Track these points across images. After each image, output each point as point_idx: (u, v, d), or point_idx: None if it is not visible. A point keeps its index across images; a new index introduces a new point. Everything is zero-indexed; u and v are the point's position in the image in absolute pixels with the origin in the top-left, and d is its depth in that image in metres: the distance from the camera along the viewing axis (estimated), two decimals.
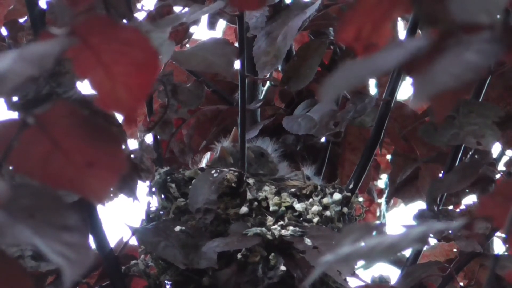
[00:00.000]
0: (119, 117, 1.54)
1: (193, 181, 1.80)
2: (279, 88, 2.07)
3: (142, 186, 1.83)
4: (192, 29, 2.07)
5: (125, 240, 1.83)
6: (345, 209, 1.86)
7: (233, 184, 1.82)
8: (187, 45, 2.13)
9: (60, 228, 0.80)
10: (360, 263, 2.09)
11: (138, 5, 2.02)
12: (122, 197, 1.72)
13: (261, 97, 2.18)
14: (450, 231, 1.80)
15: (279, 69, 2.20)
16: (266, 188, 1.85)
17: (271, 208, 1.82)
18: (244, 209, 1.81)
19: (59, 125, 0.84)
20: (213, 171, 1.79)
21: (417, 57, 0.76)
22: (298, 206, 1.83)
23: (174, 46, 1.62)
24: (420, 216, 1.90)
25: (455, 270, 1.90)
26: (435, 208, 1.92)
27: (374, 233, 0.84)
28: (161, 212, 1.87)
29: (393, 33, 0.83)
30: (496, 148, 2.01)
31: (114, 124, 1.56)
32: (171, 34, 1.64)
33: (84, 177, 0.85)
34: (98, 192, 0.86)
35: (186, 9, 1.92)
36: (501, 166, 2.04)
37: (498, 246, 2.04)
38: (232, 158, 1.91)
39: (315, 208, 1.83)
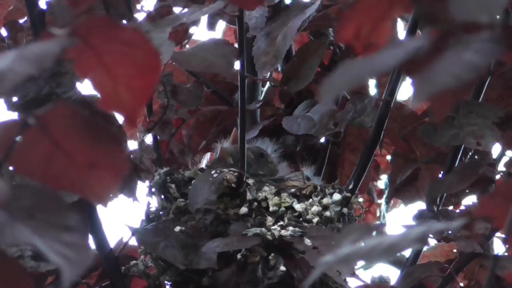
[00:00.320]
0: (120, 118, 1.54)
1: (193, 182, 1.80)
2: (279, 88, 2.07)
3: (142, 187, 1.83)
4: (192, 29, 2.08)
5: (125, 240, 1.83)
6: (345, 210, 1.86)
7: (233, 185, 1.82)
8: (187, 46, 2.13)
9: (59, 228, 0.80)
10: (360, 263, 2.10)
11: (138, 6, 2.02)
12: (122, 197, 1.72)
13: (261, 97, 2.18)
14: (450, 232, 1.80)
15: (279, 69, 2.20)
16: (266, 188, 1.85)
17: (271, 209, 1.82)
18: (244, 210, 1.81)
19: (60, 125, 0.84)
20: (213, 172, 1.79)
21: (417, 57, 0.76)
22: (298, 207, 1.83)
23: (174, 46, 1.62)
24: (420, 217, 1.90)
25: (455, 271, 1.89)
26: (435, 209, 1.92)
27: (374, 233, 0.85)
28: (161, 213, 1.87)
29: (393, 32, 0.83)
30: (496, 149, 2.01)
31: (115, 125, 1.56)
32: (171, 35, 1.64)
33: (86, 178, 0.85)
34: (100, 193, 0.86)
35: (186, 9, 1.92)
36: (501, 167, 2.04)
37: (498, 247, 2.04)
38: (232, 158, 1.91)
39: (315, 208, 1.83)
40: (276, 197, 1.84)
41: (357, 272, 1.74)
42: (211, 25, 2.13)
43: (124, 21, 1.74)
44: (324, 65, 2.13)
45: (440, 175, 2.01)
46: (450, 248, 2.15)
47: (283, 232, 1.76)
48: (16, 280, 0.82)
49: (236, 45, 1.85)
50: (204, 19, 2.10)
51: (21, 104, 1.57)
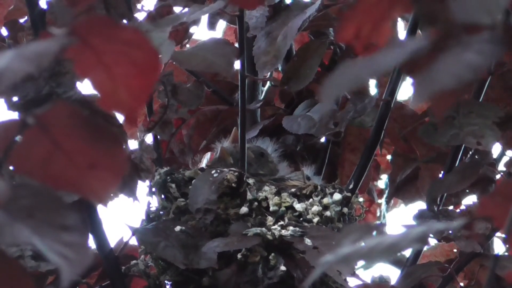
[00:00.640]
0: (120, 118, 1.54)
1: (193, 181, 1.80)
2: (279, 88, 2.07)
3: (142, 186, 1.83)
4: (192, 29, 2.08)
5: (125, 240, 1.83)
6: (345, 209, 1.86)
7: (233, 184, 1.82)
8: (187, 45, 2.13)
9: (59, 228, 0.80)
10: (360, 263, 2.10)
11: (138, 6, 2.02)
12: (122, 197, 1.72)
13: (261, 97, 2.18)
14: (450, 231, 1.80)
15: (279, 69, 2.20)
16: (266, 188, 1.85)
17: (271, 208, 1.82)
18: (244, 209, 1.81)
19: (60, 125, 0.84)
20: (213, 171, 1.79)
21: (417, 57, 0.76)
22: (298, 206, 1.83)
23: (174, 46, 1.62)
24: (420, 216, 1.90)
25: (455, 271, 1.89)
26: (435, 209, 1.92)
27: (374, 233, 0.84)
28: (161, 212, 1.87)
29: (393, 32, 0.83)
30: (496, 149, 2.01)
31: (115, 125, 1.56)
32: (171, 34, 1.64)
33: (86, 178, 0.85)
34: (100, 193, 0.86)
35: (186, 9, 1.92)
36: (501, 167, 2.04)
37: (498, 247, 2.04)
38: (232, 158, 1.91)
39: (315, 208, 1.83)
40: (276, 197, 1.84)
41: (357, 271, 1.74)
42: (212, 25, 2.13)
43: (125, 21, 1.74)
44: (325, 65, 2.13)
45: (440, 175, 2.01)
46: (450, 248, 2.15)
47: (283, 232, 1.76)
48: (16, 280, 0.82)
49: (236, 45, 1.84)
50: (204, 18, 2.10)
51: (21, 104, 1.57)
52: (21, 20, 2.09)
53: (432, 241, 2.01)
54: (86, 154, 0.85)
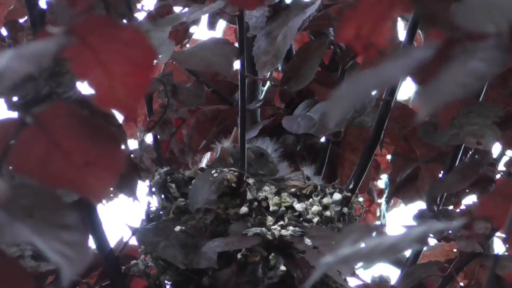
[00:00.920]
0: (119, 118, 1.54)
1: (193, 181, 1.80)
2: (279, 88, 2.07)
3: (142, 186, 1.83)
4: (192, 29, 2.08)
5: (125, 240, 1.83)
6: (345, 209, 1.86)
7: (233, 184, 1.82)
8: (187, 45, 2.13)
9: (59, 227, 0.80)
10: (360, 263, 2.10)
11: (138, 6, 2.02)
12: (122, 197, 1.72)
13: (261, 97, 2.18)
14: (450, 231, 1.80)
15: (279, 69, 2.20)
16: (266, 188, 1.85)
17: (271, 208, 1.82)
18: (244, 209, 1.81)
19: (58, 124, 0.84)
20: (213, 171, 1.79)
21: (423, 66, 0.76)
22: (298, 206, 1.83)
23: (174, 46, 1.62)
24: (420, 216, 1.90)
25: (455, 270, 1.89)
26: (435, 208, 1.92)
27: (374, 233, 0.84)
28: (161, 212, 1.87)
29: (393, 32, 0.83)
30: (496, 149, 2.01)
31: (114, 124, 1.56)
32: (171, 34, 1.64)
33: (83, 176, 0.85)
34: (97, 191, 0.86)
35: (186, 9, 1.92)
36: (501, 166, 2.04)
37: (498, 246, 2.04)
38: (232, 158, 1.91)
39: (315, 208, 1.83)
40: (276, 197, 1.84)
41: (357, 271, 1.74)
42: (212, 25, 2.13)
43: (124, 21, 1.74)
44: (325, 64, 2.13)
45: (440, 175, 2.01)
46: (450, 247, 2.15)
47: (283, 231, 1.76)
48: (16, 280, 0.82)
49: (236, 45, 1.84)
50: (204, 18, 2.10)
51: (21, 104, 1.56)
52: (21, 20, 2.09)
53: (432, 241, 2.01)
54: (84, 153, 0.85)
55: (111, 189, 0.87)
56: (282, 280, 1.76)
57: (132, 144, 2.19)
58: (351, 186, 1.91)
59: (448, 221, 1.77)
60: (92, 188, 0.85)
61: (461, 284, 2.01)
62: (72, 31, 0.81)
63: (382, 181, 2.34)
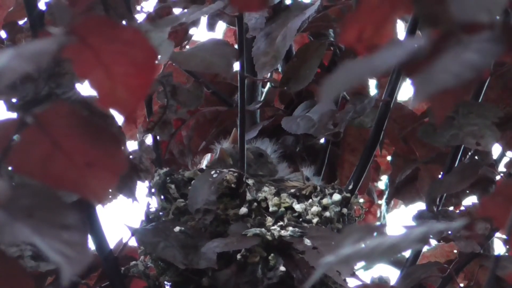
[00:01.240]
0: (119, 119, 1.54)
1: (192, 182, 1.80)
2: (278, 89, 2.07)
3: (142, 187, 1.83)
4: (192, 30, 2.08)
5: (124, 241, 1.83)
6: (345, 210, 1.86)
7: (232, 185, 1.82)
8: (187, 47, 2.13)
9: (59, 227, 0.80)
10: (361, 263, 2.10)
11: (138, 7, 2.02)
12: (121, 198, 1.72)
13: (261, 98, 2.18)
14: (450, 232, 1.80)
15: (279, 70, 2.20)
16: (265, 188, 1.85)
17: (270, 209, 1.82)
18: (243, 210, 1.81)
19: (59, 125, 0.84)
20: (212, 172, 1.79)
21: (416, 56, 0.76)
22: (298, 207, 1.83)
23: (173, 46, 1.62)
24: (420, 217, 1.90)
25: (455, 271, 1.89)
26: (435, 209, 1.91)
27: (374, 234, 0.84)
28: (160, 213, 1.87)
29: (394, 34, 0.84)
30: (496, 150, 2.01)
31: (114, 126, 1.56)
32: (171, 35, 1.64)
33: (84, 177, 0.85)
34: (98, 192, 0.86)
35: (186, 10, 1.92)
36: (501, 167, 2.04)
37: (498, 247, 2.04)
38: (232, 159, 1.91)
39: (315, 208, 1.83)
40: (275, 198, 1.84)
41: (357, 272, 1.74)
42: (211, 26, 2.13)
43: (124, 22, 1.74)
44: (324, 65, 2.13)
45: (440, 176, 2.01)
46: (450, 248, 2.15)
47: (282, 232, 1.76)
48: (16, 280, 0.82)
49: (236, 46, 1.84)
50: (204, 20, 2.10)
51: (21, 105, 1.57)
52: (20, 22, 2.08)
53: (432, 242, 2.01)
54: (85, 153, 0.85)
55: (111, 190, 0.87)
56: (281, 281, 1.76)
57: (132, 145, 2.19)
58: (350, 187, 1.91)
59: (448, 222, 1.77)
60: (93, 189, 0.85)
61: (461, 285, 2.01)
62: (73, 31, 0.81)
63: (382, 182, 2.34)
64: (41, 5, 1.72)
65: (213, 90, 2.15)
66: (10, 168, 0.85)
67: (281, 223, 1.80)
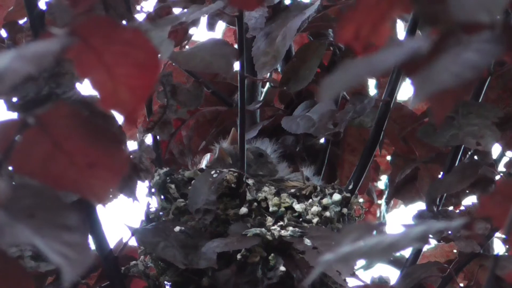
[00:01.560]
0: (119, 119, 1.54)
1: (192, 182, 1.80)
2: (278, 89, 2.07)
3: (142, 187, 1.83)
4: (192, 30, 2.08)
5: (124, 240, 1.83)
6: (345, 210, 1.86)
7: (232, 185, 1.82)
8: (187, 47, 2.13)
9: (60, 227, 0.80)
10: (360, 263, 2.10)
11: (138, 7, 2.02)
12: (121, 197, 1.72)
13: (261, 98, 2.18)
14: (449, 232, 1.80)
15: (279, 70, 2.20)
16: (265, 188, 1.85)
17: (270, 209, 1.82)
18: (243, 210, 1.81)
19: (60, 125, 0.84)
20: (212, 172, 1.79)
21: (416, 56, 0.77)
22: (298, 207, 1.83)
23: (173, 45, 1.62)
24: (419, 217, 1.90)
25: (455, 271, 1.89)
26: (435, 209, 1.92)
27: (374, 232, 0.85)
28: (160, 213, 1.87)
29: (392, 33, 0.84)
30: (496, 149, 2.01)
31: (114, 126, 1.56)
32: (170, 35, 1.64)
33: (86, 178, 0.85)
34: (99, 192, 0.86)
35: (186, 10, 1.92)
36: (501, 167, 2.04)
37: (498, 247, 2.04)
38: (231, 159, 1.91)
39: (315, 208, 1.83)
40: (275, 198, 1.84)
41: (357, 272, 1.75)
42: (211, 26, 2.13)
43: (124, 22, 1.74)
44: (324, 65, 2.13)
45: (439, 175, 2.01)
46: (450, 248, 2.15)
47: (283, 232, 1.76)
48: (16, 280, 0.82)
49: (236, 46, 1.84)
50: (204, 20, 2.10)
51: (21, 105, 1.57)
52: (21, 21, 2.08)
53: (432, 242, 2.01)
54: (86, 154, 0.85)
55: (113, 190, 0.87)
56: (281, 281, 1.76)
57: (132, 145, 2.19)
58: (350, 187, 1.91)
59: (447, 221, 1.77)
60: (94, 189, 0.85)
61: (461, 284, 2.01)
62: (74, 32, 0.81)
63: (382, 182, 2.34)
64: (42, 5, 1.73)
65: (213, 90, 2.15)
66: (11, 168, 0.85)
67: (281, 223, 1.80)
